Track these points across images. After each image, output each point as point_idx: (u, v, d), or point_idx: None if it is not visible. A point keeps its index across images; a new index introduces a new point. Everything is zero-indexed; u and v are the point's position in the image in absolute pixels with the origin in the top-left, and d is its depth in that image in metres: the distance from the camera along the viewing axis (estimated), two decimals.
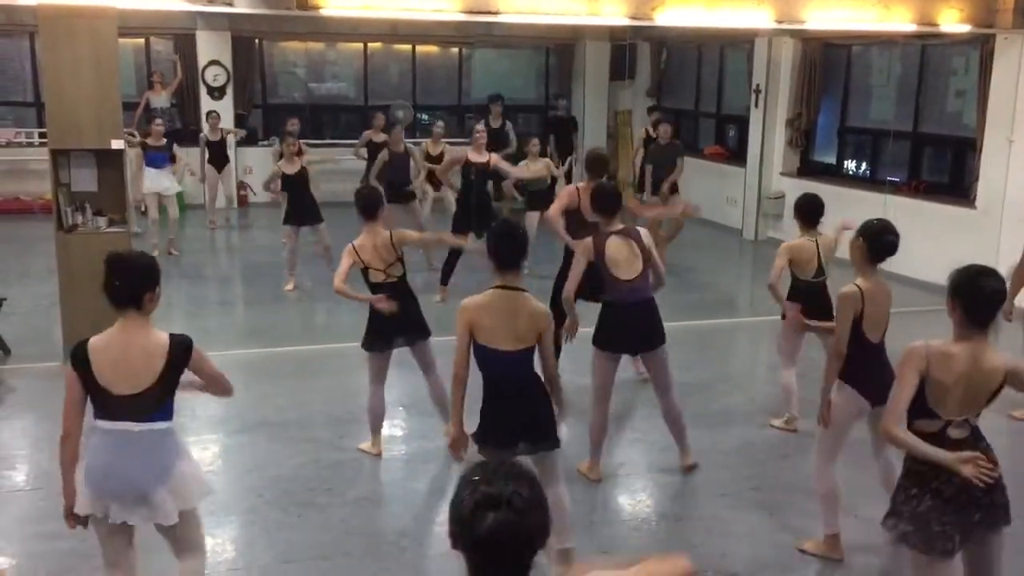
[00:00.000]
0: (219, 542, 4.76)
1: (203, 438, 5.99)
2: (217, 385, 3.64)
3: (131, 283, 3.37)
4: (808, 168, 12.51)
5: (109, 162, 7.19)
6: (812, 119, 12.29)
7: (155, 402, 3.40)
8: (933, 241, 9.65)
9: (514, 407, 4.12)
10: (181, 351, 3.42)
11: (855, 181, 11.74)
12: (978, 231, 9.58)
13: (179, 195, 12.79)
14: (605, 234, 5.19)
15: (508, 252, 3.99)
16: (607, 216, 5.22)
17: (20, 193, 12.80)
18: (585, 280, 5.26)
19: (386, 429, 6.24)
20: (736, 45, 13.40)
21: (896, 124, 11.01)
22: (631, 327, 5.25)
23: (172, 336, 3.43)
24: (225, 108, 13.87)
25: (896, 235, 4.56)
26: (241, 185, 13.78)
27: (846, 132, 12.15)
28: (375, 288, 5.52)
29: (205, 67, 13.82)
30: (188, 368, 3.46)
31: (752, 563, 4.63)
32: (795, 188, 12.33)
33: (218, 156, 12.34)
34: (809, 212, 5.99)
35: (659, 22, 8.71)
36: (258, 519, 4.96)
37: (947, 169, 10.79)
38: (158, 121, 11.16)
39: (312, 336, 8.42)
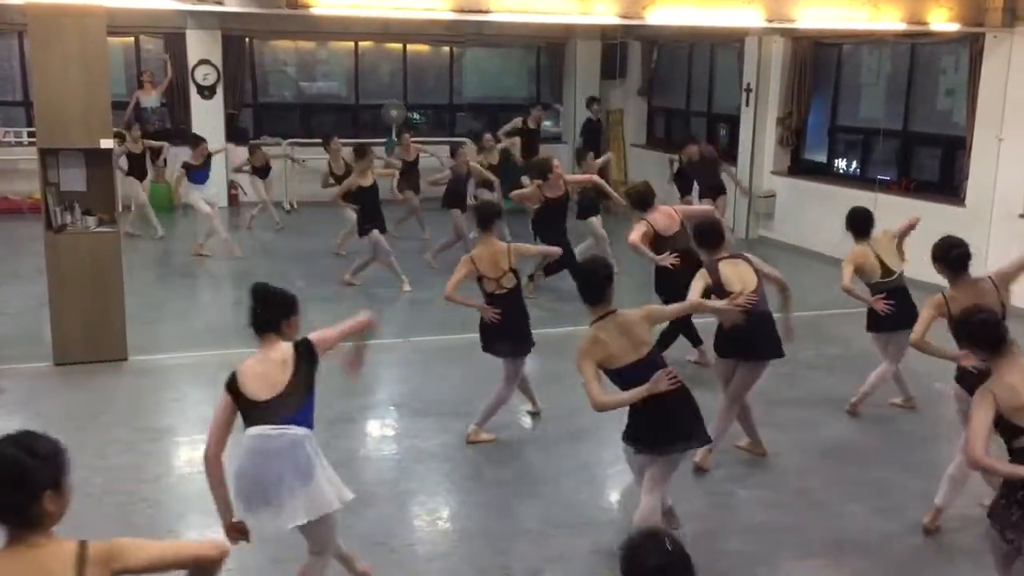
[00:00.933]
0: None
1: (195, 439, 5.96)
2: (348, 332, 3.98)
3: (271, 313, 3.78)
4: (799, 167, 12.53)
5: (98, 161, 7.15)
6: (803, 118, 12.31)
7: (293, 406, 3.68)
8: (923, 239, 9.60)
9: (670, 406, 4.27)
10: (304, 348, 3.73)
11: (845, 180, 11.77)
12: (967, 229, 9.52)
13: (168, 194, 12.80)
14: (714, 262, 5.53)
15: (593, 291, 4.33)
16: (711, 249, 5.62)
17: (9, 193, 12.75)
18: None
19: (377, 429, 6.25)
20: (727, 44, 13.42)
21: (886, 123, 11.04)
22: (744, 337, 5.44)
23: (294, 343, 3.76)
24: (216, 107, 13.84)
25: (961, 245, 5.17)
26: (232, 184, 13.74)
27: (836, 131, 12.17)
28: (489, 298, 5.90)
29: (195, 66, 13.77)
30: (319, 354, 3.75)
31: (744, 562, 4.63)
32: (786, 187, 12.39)
33: (139, 168, 12.02)
34: (859, 224, 6.51)
35: (650, 21, 8.71)
36: (248, 521, 4.94)
37: (937, 167, 10.82)
38: (203, 145, 11.19)
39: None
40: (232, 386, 3.68)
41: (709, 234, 5.70)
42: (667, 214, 7.21)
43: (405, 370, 7.21)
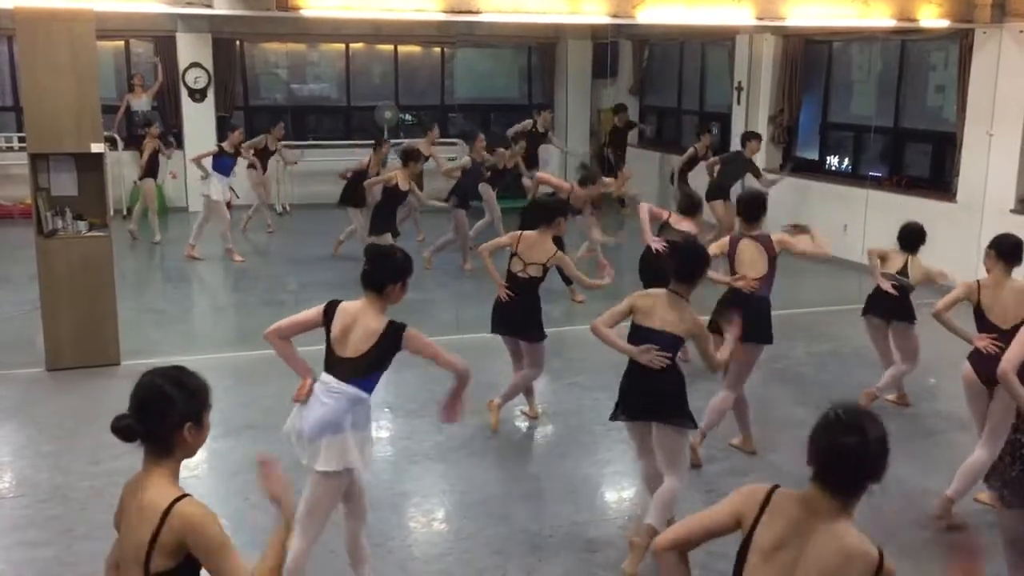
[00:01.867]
0: None
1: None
2: (441, 360, 4.00)
3: (377, 273, 3.89)
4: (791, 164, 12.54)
5: (89, 166, 7.13)
6: (794, 115, 12.33)
7: (362, 372, 3.85)
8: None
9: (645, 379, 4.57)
10: (393, 332, 3.83)
11: (837, 177, 11.80)
12: (959, 225, 9.64)
13: (161, 197, 12.77)
14: (739, 236, 5.93)
15: (681, 266, 4.61)
16: (747, 222, 6.03)
17: (0, 198, 12.70)
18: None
19: (371, 431, 6.23)
20: (718, 42, 13.44)
21: (877, 119, 11.06)
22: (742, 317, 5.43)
23: (391, 321, 3.86)
24: (206, 110, 13.81)
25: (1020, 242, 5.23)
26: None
27: (828, 128, 12.20)
28: (510, 276, 6.09)
29: (186, 69, 13.73)
30: (404, 347, 3.87)
31: None
32: (778, 185, 12.38)
33: (153, 167, 12.02)
34: (912, 240, 6.72)
35: (640, 20, 8.72)
36: (244, 522, 4.94)
37: (928, 164, 10.85)
38: (239, 132, 11.12)
39: (299, 339, 8.37)
40: (329, 311, 3.89)
41: (751, 204, 6.13)
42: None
43: (399, 371, 7.17)
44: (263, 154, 12.14)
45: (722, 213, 10.67)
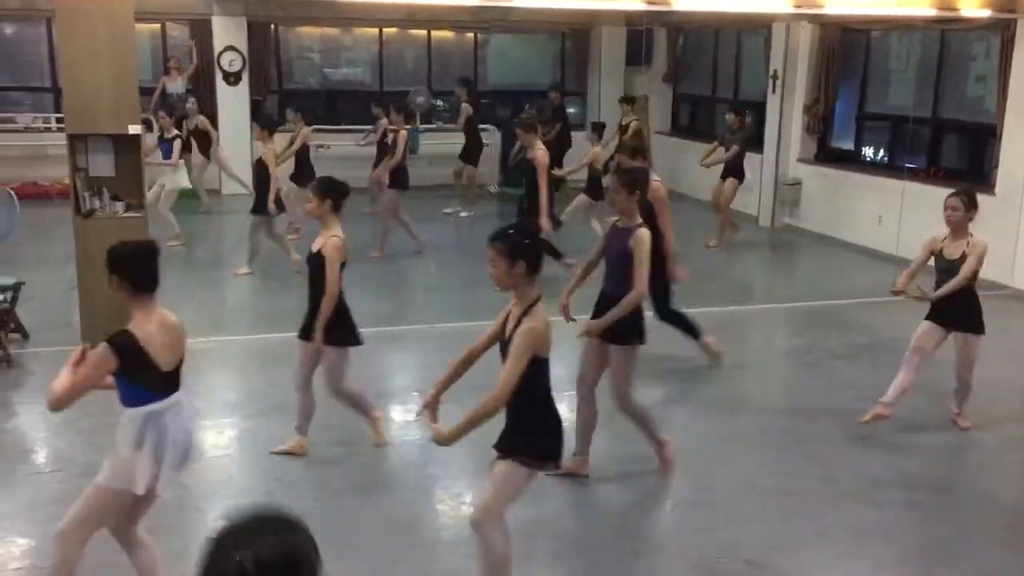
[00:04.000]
0: None
1: (219, 422, 6.03)
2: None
3: (156, 268, 3.72)
4: (826, 154, 12.42)
5: (126, 147, 7.20)
6: (830, 105, 12.19)
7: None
8: None
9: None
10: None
11: (873, 168, 11.67)
12: (998, 218, 9.47)
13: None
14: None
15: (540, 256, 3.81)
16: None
17: (38, 178, 12.87)
18: None
19: (399, 414, 6.27)
20: (753, 30, 13.30)
21: (915, 110, 10.91)
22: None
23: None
24: (241, 94, 13.89)
25: None
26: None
27: (864, 118, 12.05)
28: None
29: (221, 53, 13.82)
30: None
31: (766, 548, 4.62)
32: (812, 175, 12.29)
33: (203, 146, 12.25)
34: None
35: (676, 7, 8.67)
36: (274, 502, 4.99)
37: (966, 155, 10.70)
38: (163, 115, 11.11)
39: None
40: (130, 351, 3.59)
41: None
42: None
43: (429, 356, 7.22)
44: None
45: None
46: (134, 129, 7.04)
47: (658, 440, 5.34)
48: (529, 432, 3.75)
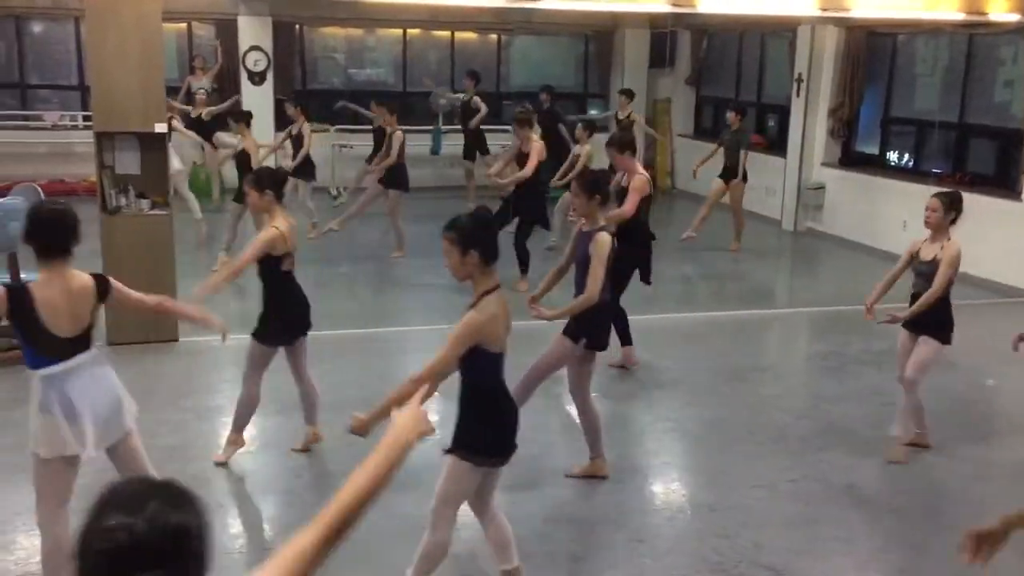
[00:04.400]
0: (257, 521, 4.83)
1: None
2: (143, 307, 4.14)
3: (68, 235, 3.74)
4: (850, 159, 12.35)
5: (152, 145, 7.28)
6: (855, 109, 12.12)
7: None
8: (978, 234, 9.46)
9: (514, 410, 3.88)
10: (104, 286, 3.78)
11: (898, 172, 11.59)
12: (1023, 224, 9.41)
13: (218, 176, 12.96)
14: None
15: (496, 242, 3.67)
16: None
17: (65, 175, 13.00)
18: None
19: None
20: (778, 33, 13.24)
21: (941, 115, 10.83)
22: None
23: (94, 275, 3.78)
24: (265, 93, 13.97)
25: None
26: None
27: (890, 122, 11.97)
28: None
29: (246, 52, 13.91)
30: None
31: (787, 555, 4.60)
32: (836, 179, 12.22)
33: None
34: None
35: (701, 9, 8.64)
36: (296, 499, 5.02)
37: (993, 161, 10.60)
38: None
39: (347, 321, 8.47)
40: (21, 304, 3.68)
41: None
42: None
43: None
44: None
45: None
46: (160, 127, 7.11)
47: (598, 452, 5.28)
48: (473, 427, 3.69)
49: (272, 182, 5.21)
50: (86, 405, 3.64)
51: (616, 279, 5.81)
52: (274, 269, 5.13)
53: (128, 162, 7.29)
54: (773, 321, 9.07)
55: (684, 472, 5.67)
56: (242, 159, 9.60)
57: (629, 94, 13.13)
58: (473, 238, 3.54)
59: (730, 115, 11.32)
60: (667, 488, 5.45)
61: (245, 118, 9.84)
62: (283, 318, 5.24)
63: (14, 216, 7.05)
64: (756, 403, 6.59)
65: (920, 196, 10.51)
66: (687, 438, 6.00)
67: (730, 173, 11.15)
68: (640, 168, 6.88)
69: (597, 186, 5.13)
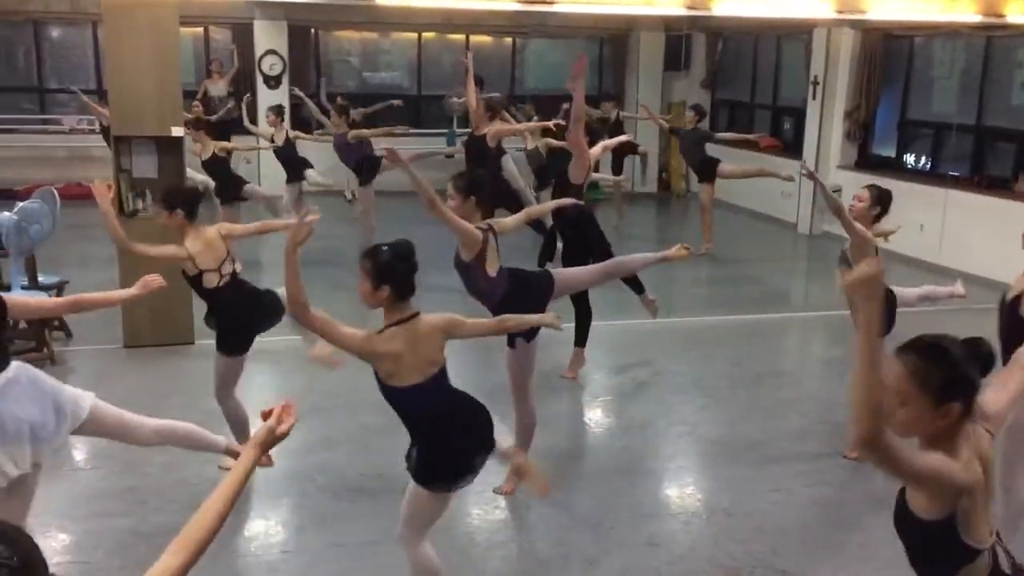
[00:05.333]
0: (271, 525, 4.84)
1: (255, 422, 6.06)
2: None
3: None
4: (866, 161, 12.28)
5: (169, 149, 7.32)
6: (871, 111, 12.06)
7: None
8: (996, 237, 9.41)
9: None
10: None
11: (915, 175, 11.51)
12: None
13: None
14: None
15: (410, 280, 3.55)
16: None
17: (82, 179, 13.08)
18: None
19: None
20: (794, 36, 13.20)
21: (958, 117, 10.77)
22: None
23: None
24: (280, 97, 14.03)
25: None
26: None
27: (906, 125, 11.90)
28: None
29: (262, 56, 13.98)
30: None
31: (804, 560, 4.57)
32: (852, 182, 12.14)
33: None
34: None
35: (717, 12, 8.62)
36: (310, 504, 5.03)
37: (1011, 163, 10.52)
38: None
39: (360, 325, 8.49)
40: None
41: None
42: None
43: (462, 357, 7.24)
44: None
45: None
46: (177, 131, 7.15)
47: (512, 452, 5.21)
48: (419, 456, 3.63)
49: (182, 200, 5.11)
50: (16, 424, 3.48)
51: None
52: (198, 288, 5.16)
53: (145, 166, 7.33)
54: (789, 325, 9.02)
55: (699, 476, 5.64)
56: (215, 162, 9.77)
57: (616, 99, 13.52)
58: (387, 273, 3.44)
59: (689, 114, 11.37)
60: (682, 492, 5.43)
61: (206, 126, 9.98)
62: (229, 329, 5.22)
63: (35, 219, 7.11)
64: (772, 407, 6.56)
65: (938, 199, 10.50)
66: (702, 442, 5.98)
67: (703, 174, 11.12)
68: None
69: (473, 186, 4.88)
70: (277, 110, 10.78)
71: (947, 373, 2.34)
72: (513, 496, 5.22)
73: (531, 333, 4.91)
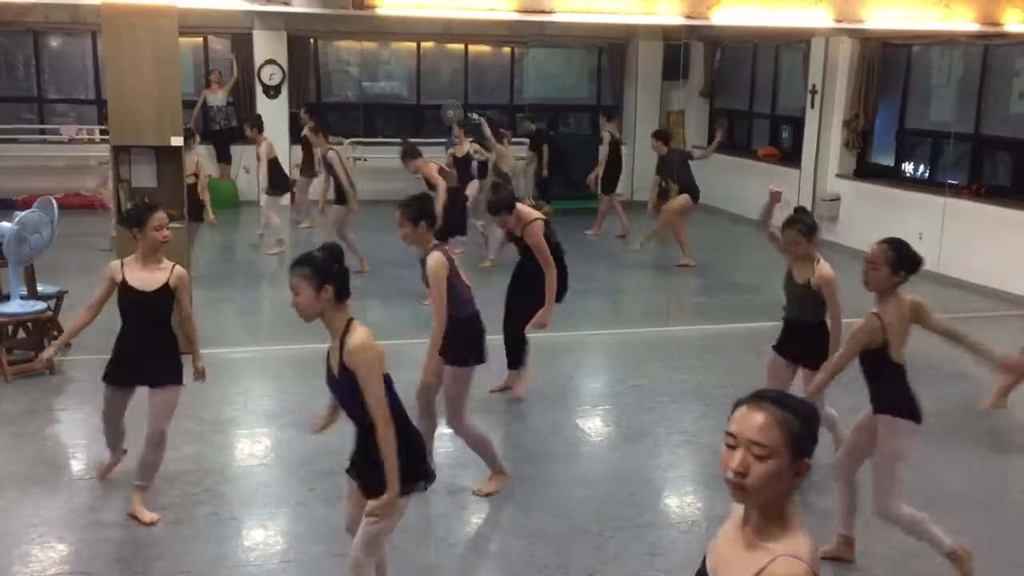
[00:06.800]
0: (271, 534, 4.83)
1: (255, 431, 6.08)
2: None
3: None
4: (865, 170, 12.31)
5: (168, 159, 7.32)
6: (870, 120, 12.09)
7: None
8: (994, 246, 9.44)
9: None
10: None
11: (914, 184, 11.53)
12: None
13: (233, 191, 13.04)
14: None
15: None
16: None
17: (81, 189, 13.10)
18: None
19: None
20: (792, 45, 13.24)
21: (957, 126, 10.79)
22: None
23: None
24: (280, 107, 14.06)
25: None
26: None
27: (905, 134, 11.93)
28: None
29: (261, 66, 14.01)
30: None
31: None
32: (851, 190, 12.18)
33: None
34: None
35: (715, 21, 8.64)
36: (309, 512, 5.02)
37: (1009, 172, 10.54)
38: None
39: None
40: None
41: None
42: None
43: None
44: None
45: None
46: (176, 141, 7.15)
47: (497, 466, 5.26)
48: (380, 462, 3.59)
49: (136, 221, 4.87)
50: None
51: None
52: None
53: (144, 175, 7.33)
54: None
55: (699, 485, 5.63)
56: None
57: (609, 113, 13.72)
58: (328, 272, 3.46)
59: (653, 142, 11.09)
60: (682, 501, 5.42)
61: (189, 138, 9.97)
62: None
63: (34, 229, 7.10)
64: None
65: (935, 208, 10.51)
66: (703, 451, 5.97)
67: (684, 190, 11.04)
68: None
69: (421, 214, 4.85)
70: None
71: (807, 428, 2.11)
72: (512, 505, 5.21)
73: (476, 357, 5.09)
